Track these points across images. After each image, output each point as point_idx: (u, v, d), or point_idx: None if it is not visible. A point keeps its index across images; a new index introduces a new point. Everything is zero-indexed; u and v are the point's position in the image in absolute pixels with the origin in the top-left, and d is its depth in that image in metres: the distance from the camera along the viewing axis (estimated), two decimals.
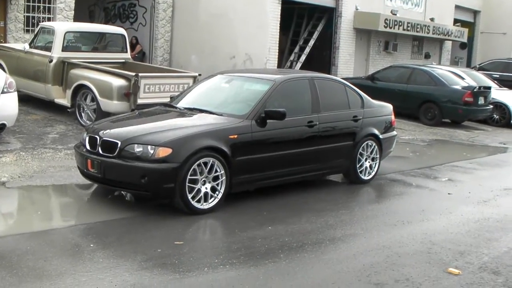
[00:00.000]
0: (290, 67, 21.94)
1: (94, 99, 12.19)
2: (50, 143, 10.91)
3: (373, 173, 10.00)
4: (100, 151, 7.59)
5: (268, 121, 8.19)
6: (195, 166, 7.34)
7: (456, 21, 29.23)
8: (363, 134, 9.71)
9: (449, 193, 9.64)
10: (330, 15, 22.16)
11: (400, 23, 23.38)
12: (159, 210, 7.58)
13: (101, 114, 11.93)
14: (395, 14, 23.69)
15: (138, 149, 7.34)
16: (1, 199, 7.94)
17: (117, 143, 7.44)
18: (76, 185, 8.62)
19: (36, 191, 8.28)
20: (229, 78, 9.43)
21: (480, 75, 20.93)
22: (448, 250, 6.78)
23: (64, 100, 12.96)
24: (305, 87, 9.13)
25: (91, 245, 6.22)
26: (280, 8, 18.96)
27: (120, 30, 14.65)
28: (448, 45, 29.11)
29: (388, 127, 10.46)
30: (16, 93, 10.59)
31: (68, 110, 12.83)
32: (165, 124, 8.10)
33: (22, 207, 7.85)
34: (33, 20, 16.69)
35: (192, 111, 8.56)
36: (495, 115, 19.34)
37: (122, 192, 8.10)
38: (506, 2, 32.39)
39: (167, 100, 10.62)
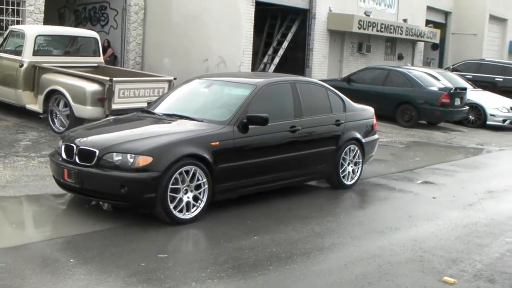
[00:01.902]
0: (264, 69, 21.72)
1: (67, 104, 11.84)
2: (22, 150, 10.54)
3: (356, 178, 9.81)
4: (77, 160, 7.28)
5: (250, 126, 7.94)
6: (176, 174, 7.07)
7: (428, 22, 29.28)
8: (345, 139, 9.51)
9: (433, 197, 9.49)
10: (303, 16, 21.98)
11: (374, 24, 23.29)
12: (139, 220, 7.28)
13: (74, 120, 11.61)
14: (369, 15, 23.59)
15: (117, 158, 7.04)
16: None
17: (95, 152, 7.14)
18: (51, 195, 8.29)
19: (9, 202, 7.93)
20: (208, 82, 9.16)
21: (454, 76, 20.93)
22: (440, 257, 6.60)
23: (35, 106, 12.58)
24: (287, 91, 8.90)
25: (71, 260, 5.91)
26: (254, 9, 18.72)
27: (93, 34, 14.31)
28: (420, 46, 29.13)
29: (370, 130, 10.28)
30: None
31: (40, 116, 12.44)
32: (144, 131, 7.80)
33: None
34: (1, 23, 16.23)
35: (171, 117, 8.27)
36: (470, 116, 19.33)
37: (99, 201, 7.76)
38: (476, 4, 32.57)
39: (142, 105, 10.36)
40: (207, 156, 7.36)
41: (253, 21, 18.75)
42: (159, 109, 8.68)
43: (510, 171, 12.75)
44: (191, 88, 9.17)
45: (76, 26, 20.90)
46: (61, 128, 11.91)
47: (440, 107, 17.46)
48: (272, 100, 8.66)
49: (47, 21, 17.27)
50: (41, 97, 12.34)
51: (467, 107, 18.60)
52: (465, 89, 18.70)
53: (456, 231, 7.70)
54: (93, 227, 7.03)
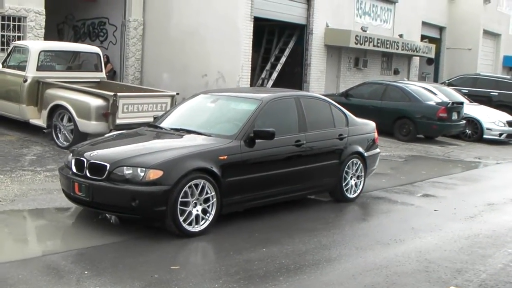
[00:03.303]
0: (262, 84, 21.90)
1: (71, 119, 11.97)
2: (28, 165, 10.65)
3: (358, 191, 9.96)
4: (88, 174, 7.41)
5: (256, 141, 8.09)
6: (186, 188, 7.20)
7: (423, 37, 29.59)
8: (348, 152, 9.67)
9: (435, 210, 9.66)
10: (301, 31, 22.19)
11: (370, 40, 23.54)
12: (148, 233, 7.41)
13: (78, 134, 11.75)
14: (365, 31, 23.84)
15: (127, 171, 7.18)
16: None
17: (106, 166, 7.27)
18: (60, 208, 8.41)
19: (20, 215, 8.06)
20: (214, 97, 9.31)
21: (451, 90, 21.20)
22: (445, 268, 6.75)
23: (39, 120, 12.70)
24: (291, 106, 9.06)
25: (86, 272, 6.03)
26: (252, 25, 18.91)
27: (95, 49, 14.46)
28: (416, 61, 29.42)
29: (371, 144, 10.45)
30: None
31: (44, 131, 12.57)
32: (153, 146, 7.95)
33: (7, 233, 7.53)
34: (2, 39, 16.39)
35: (178, 131, 8.42)
36: (467, 130, 19.56)
37: (106, 215, 7.90)
38: (471, 19, 32.94)
39: (146, 119, 10.54)
40: (215, 170, 7.50)
41: (251, 37, 18.92)
42: (166, 124, 8.82)
43: (509, 184, 12.94)
44: (197, 103, 9.33)
45: (75, 41, 21.07)
46: (65, 142, 12.04)
47: (437, 121, 17.70)
48: (278, 114, 8.81)
49: (46, 36, 17.43)
50: (45, 112, 12.47)
51: (464, 121, 18.84)
52: (461, 103, 18.96)
53: (459, 242, 7.85)
54: (103, 239, 7.15)
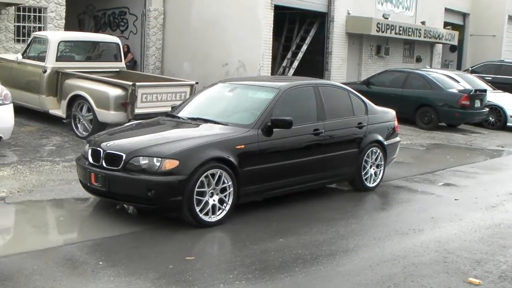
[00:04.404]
0: (283, 73, 21.81)
1: (90, 109, 11.99)
2: (47, 155, 10.68)
3: (378, 180, 9.85)
4: (104, 164, 7.39)
5: (274, 130, 8.02)
6: (202, 178, 7.15)
7: (446, 24, 29.25)
8: (367, 141, 9.56)
9: (455, 199, 9.52)
10: (322, 20, 22.05)
11: (392, 27, 23.33)
12: (164, 223, 7.38)
13: (97, 124, 11.76)
14: (387, 18, 23.63)
15: (143, 161, 7.15)
16: (2, 215, 7.73)
17: (122, 156, 7.24)
18: (77, 199, 8.41)
19: (37, 206, 8.07)
20: (232, 86, 9.25)
21: (474, 78, 20.91)
22: (464, 258, 6.64)
23: (59, 111, 12.74)
24: (310, 94, 8.97)
25: (100, 263, 6.02)
26: (273, 13, 18.80)
27: (114, 39, 14.46)
28: (439, 48, 29.10)
29: (391, 133, 10.32)
30: (11, 105, 10.35)
31: (64, 121, 12.63)
32: (169, 135, 7.91)
33: (24, 223, 7.58)
34: (23, 30, 16.44)
35: (196, 121, 8.38)
36: (490, 118, 19.32)
37: (124, 205, 7.90)
38: (495, 5, 32.48)
39: (165, 109, 10.51)
40: (232, 159, 7.44)
41: (272, 25, 18.83)
42: (184, 113, 8.79)
43: None
44: (215, 92, 9.27)
45: (95, 31, 21.13)
46: (84, 133, 12.06)
47: (460, 109, 17.49)
48: (296, 103, 8.73)
49: (67, 27, 17.48)
50: (64, 102, 12.51)
51: (487, 109, 18.60)
52: (485, 90, 18.71)
53: (480, 232, 7.73)
54: (120, 230, 7.13)
